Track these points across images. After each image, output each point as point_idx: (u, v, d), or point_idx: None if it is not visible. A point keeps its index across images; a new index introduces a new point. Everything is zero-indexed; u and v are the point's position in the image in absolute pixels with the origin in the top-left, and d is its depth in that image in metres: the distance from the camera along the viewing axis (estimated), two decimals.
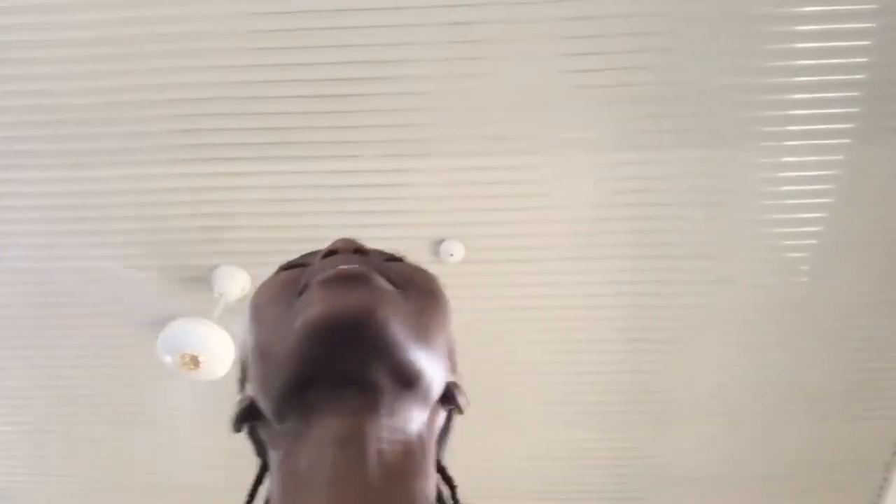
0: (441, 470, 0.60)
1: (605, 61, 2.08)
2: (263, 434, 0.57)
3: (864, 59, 2.05)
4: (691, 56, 2.07)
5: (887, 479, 2.97)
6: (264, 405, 0.55)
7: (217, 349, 2.45)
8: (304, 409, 0.53)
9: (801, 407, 2.83)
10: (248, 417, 0.57)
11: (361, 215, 2.37)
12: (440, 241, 2.40)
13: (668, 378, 2.79)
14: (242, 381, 0.61)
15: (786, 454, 2.97)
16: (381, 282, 0.55)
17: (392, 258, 0.62)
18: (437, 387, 0.56)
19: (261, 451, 0.60)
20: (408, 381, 0.53)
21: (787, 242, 2.43)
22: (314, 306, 0.52)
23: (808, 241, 2.42)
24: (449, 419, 0.61)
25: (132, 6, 2.03)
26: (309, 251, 0.63)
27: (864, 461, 2.96)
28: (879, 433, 2.87)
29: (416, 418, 0.55)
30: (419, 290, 0.57)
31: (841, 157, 2.24)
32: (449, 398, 0.59)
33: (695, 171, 2.28)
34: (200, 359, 2.44)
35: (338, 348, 0.51)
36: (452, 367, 0.61)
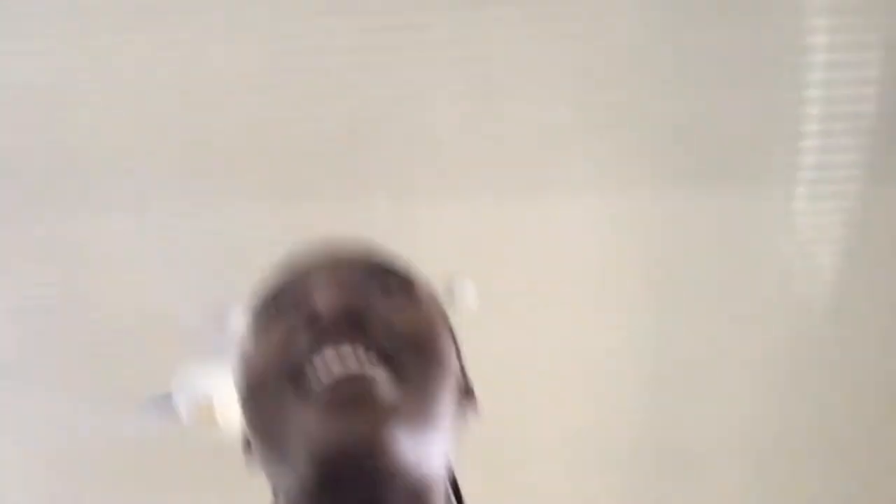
0: (455, 487, 0.61)
1: (612, 102, 2.09)
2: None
3: (872, 91, 2.04)
4: (701, 97, 2.07)
5: None
6: (269, 479, 0.57)
7: (232, 395, 2.42)
8: None
9: (822, 452, 2.78)
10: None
11: None
12: (451, 285, 2.39)
13: (688, 424, 2.75)
14: (248, 446, 0.61)
15: (808, 500, 2.91)
16: (380, 385, 0.53)
17: (382, 287, 0.60)
18: (448, 438, 0.58)
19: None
20: (417, 490, 0.54)
21: (803, 285, 2.41)
22: (318, 442, 0.52)
23: (824, 284, 2.40)
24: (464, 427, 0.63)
25: (135, 50, 2.03)
26: (291, 272, 0.61)
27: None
28: None
29: (433, 473, 0.56)
30: (417, 354, 0.57)
31: (853, 197, 2.23)
32: (462, 413, 0.61)
33: (708, 213, 2.27)
34: (214, 405, 2.43)
35: (347, 484, 0.52)
36: (464, 388, 0.62)
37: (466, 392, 0.63)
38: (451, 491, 0.61)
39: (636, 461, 2.86)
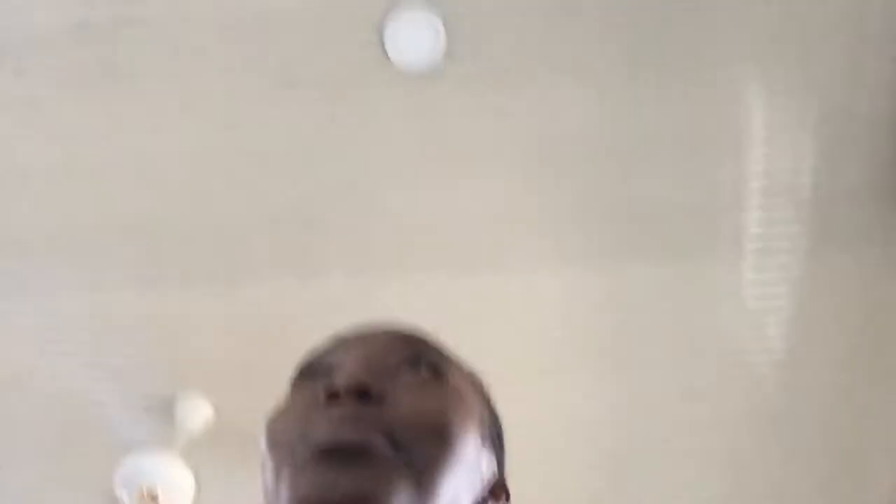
0: None
1: (563, 180, 2.14)
2: None
3: (810, 164, 2.12)
4: (653, 178, 2.14)
5: None
6: None
7: (177, 485, 2.34)
8: None
9: None
10: None
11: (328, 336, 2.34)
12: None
13: (646, 498, 2.73)
14: None
15: None
16: (381, 450, 0.52)
17: (409, 359, 0.60)
18: None
19: None
20: None
21: (752, 354, 2.44)
22: (305, 486, 0.51)
23: (772, 352, 2.44)
24: None
25: (90, 134, 2.04)
26: (333, 341, 0.63)
27: None
28: None
29: None
30: (428, 440, 0.55)
31: (795, 267, 2.29)
32: None
33: (657, 285, 2.31)
34: (159, 495, 2.33)
35: None
36: (485, 478, 0.60)
37: (497, 491, 0.62)
38: None
39: None
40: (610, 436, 2.59)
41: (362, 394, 0.55)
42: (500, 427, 0.67)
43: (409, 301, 2.32)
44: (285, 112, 2.04)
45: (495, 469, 0.64)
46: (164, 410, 2.49)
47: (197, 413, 2.46)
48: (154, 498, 2.32)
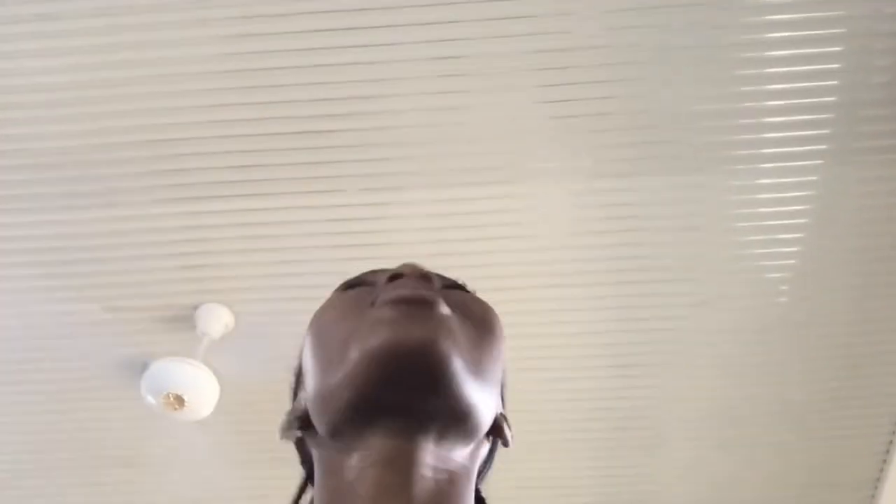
0: (479, 500, 0.62)
1: (578, 92, 2.12)
2: (312, 445, 0.59)
3: (834, 82, 2.10)
4: (664, 84, 2.11)
5: (875, 497, 2.97)
6: (319, 419, 0.56)
7: (202, 388, 2.43)
8: (358, 429, 0.54)
9: (786, 427, 2.84)
10: (299, 427, 0.59)
11: (342, 249, 2.38)
12: None
13: (653, 402, 2.80)
14: (296, 390, 0.63)
15: (773, 475, 2.97)
16: (445, 309, 0.56)
17: (454, 285, 0.64)
18: (487, 421, 0.58)
19: (306, 461, 0.61)
20: (461, 416, 0.55)
21: (765, 263, 2.46)
22: (379, 332, 0.53)
23: (785, 262, 2.45)
24: (492, 450, 0.63)
25: (106, 51, 2.05)
26: (371, 269, 0.65)
27: (850, 479, 2.96)
28: (864, 451, 2.88)
29: (463, 449, 0.56)
30: (479, 322, 0.59)
31: (815, 178, 2.28)
32: (496, 430, 0.60)
33: (670, 196, 2.31)
34: (185, 398, 2.42)
35: (398, 379, 0.52)
36: (502, 400, 0.63)
37: (500, 425, 0.64)
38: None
39: (604, 438, 2.90)
40: (621, 341, 2.64)
41: (424, 276, 0.58)
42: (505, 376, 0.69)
43: (422, 215, 2.34)
44: (299, 32, 2.02)
45: (500, 405, 0.66)
46: (187, 320, 2.56)
47: (218, 321, 2.53)
48: (180, 401, 2.42)
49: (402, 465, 0.52)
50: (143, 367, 2.52)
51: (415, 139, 2.21)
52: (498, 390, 0.60)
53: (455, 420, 0.54)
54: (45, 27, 2.01)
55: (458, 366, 0.53)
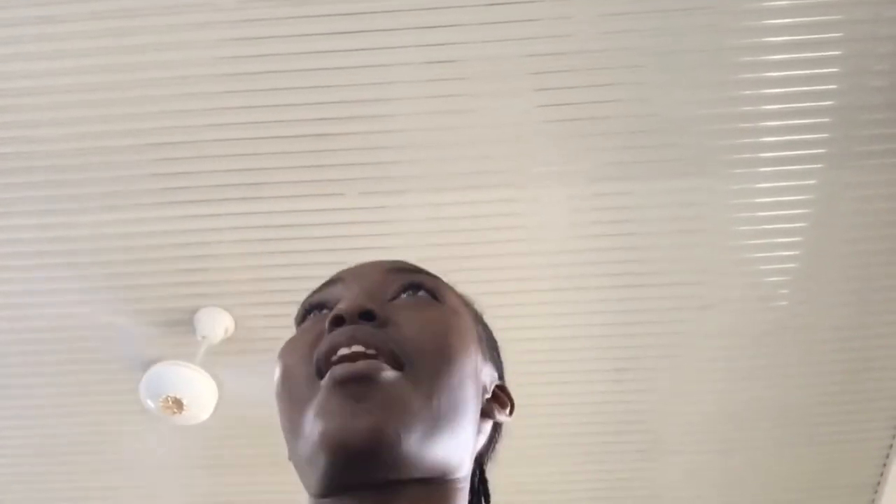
0: (483, 482, 0.64)
1: (578, 95, 2.12)
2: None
3: (832, 86, 2.11)
4: (662, 88, 2.11)
5: (875, 500, 2.97)
6: (295, 468, 0.58)
7: (201, 392, 2.43)
8: (336, 499, 0.55)
9: (786, 431, 2.84)
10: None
11: (343, 252, 2.38)
12: None
13: (653, 407, 2.80)
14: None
15: (776, 480, 2.97)
16: (388, 374, 0.55)
17: (407, 286, 0.62)
18: (468, 437, 0.59)
19: None
20: (433, 472, 0.55)
21: (765, 267, 2.46)
22: (325, 423, 0.54)
23: (784, 266, 2.45)
24: (495, 429, 0.65)
25: (109, 53, 2.05)
26: (331, 279, 0.64)
27: (852, 482, 2.96)
28: (865, 454, 2.88)
29: (449, 473, 0.57)
30: (431, 354, 0.58)
31: (813, 182, 2.28)
32: (488, 414, 0.62)
33: (670, 200, 2.31)
34: (184, 402, 2.42)
35: (354, 467, 0.53)
36: (488, 387, 0.64)
37: (500, 398, 0.65)
38: (481, 493, 0.63)
39: (604, 443, 2.90)
40: (621, 344, 2.63)
41: (365, 315, 0.57)
42: (496, 344, 0.70)
43: (422, 218, 2.34)
44: (299, 36, 2.03)
45: (496, 379, 0.67)
46: (186, 323, 2.55)
47: (218, 325, 2.52)
48: (179, 404, 2.42)
49: None
50: (143, 370, 2.52)
51: (415, 143, 2.21)
52: (476, 397, 0.60)
53: (427, 477, 0.55)
54: (47, 30, 2.01)
55: (415, 437, 0.54)
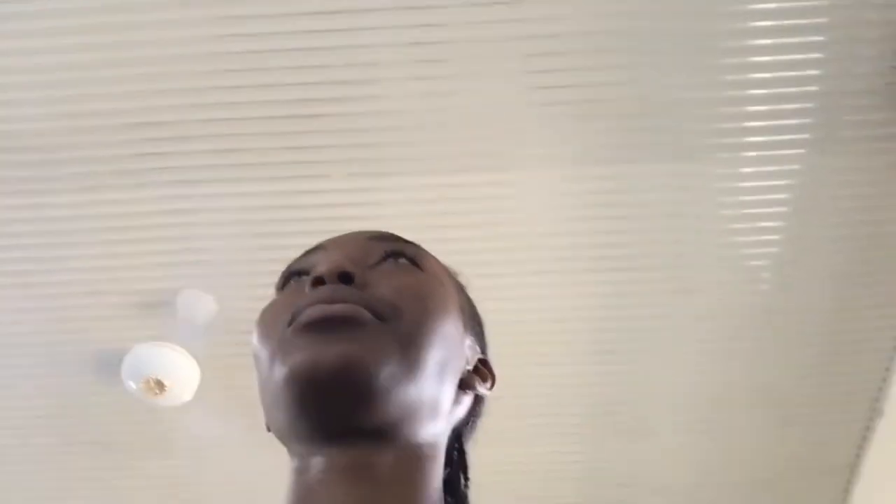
0: (461, 454, 0.63)
1: (564, 78, 2.11)
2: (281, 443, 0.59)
3: (816, 72, 2.11)
4: (649, 72, 2.11)
5: (851, 482, 3.02)
6: (273, 432, 0.58)
7: (182, 373, 2.42)
8: (306, 446, 0.54)
9: (767, 413, 2.87)
10: (269, 429, 0.60)
11: (326, 234, 2.35)
12: None
13: (637, 389, 2.82)
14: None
15: (754, 460, 3.01)
16: (365, 316, 0.54)
17: (389, 253, 0.62)
18: (443, 399, 0.58)
19: None
20: (405, 421, 0.54)
21: (748, 251, 2.47)
22: (295, 356, 0.53)
23: (767, 250, 2.47)
24: (476, 402, 0.63)
25: (89, 32, 2.02)
26: (314, 247, 0.64)
27: (829, 463, 3.00)
28: (842, 436, 2.92)
29: (422, 432, 0.56)
30: (410, 307, 0.57)
31: (797, 167, 2.29)
32: (468, 386, 0.61)
33: (654, 184, 2.31)
34: (166, 383, 2.41)
35: (322, 402, 0.52)
36: (469, 359, 0.63)
37: (482, 373, 0.64)
38: (458, 466, 0.62)
39: (588, 424, 2.92)
40: (605, 327, 2.65)
41: (344, 276, 0.56)
42: (480, 319, 0.69)
43: (408, 201, 2.33)
44: (285, 17, 2.00)
45: (479, 353, 0.66)
46: (168, 305, 2.54)
47: (200, 306, 2.51)
48: (161, 385, 2.41)
49: (358, 471, 0.52)
50: (124, 351, 2.50)
51: (401, 125, 2.19)
52: (452, 365, 0.59)
53: (399, 426, 0.54)
54: (28, 8, 1.97)
55: (387, 374, 0.53)
